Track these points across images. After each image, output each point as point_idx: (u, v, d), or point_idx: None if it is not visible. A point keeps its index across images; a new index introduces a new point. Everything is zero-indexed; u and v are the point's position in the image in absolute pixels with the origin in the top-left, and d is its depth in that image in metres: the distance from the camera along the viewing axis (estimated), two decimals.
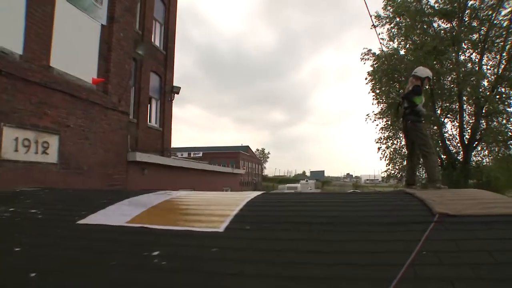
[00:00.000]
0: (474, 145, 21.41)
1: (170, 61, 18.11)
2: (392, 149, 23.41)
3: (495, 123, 20.58)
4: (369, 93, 22.10)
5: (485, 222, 3.10)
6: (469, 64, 21.13)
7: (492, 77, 20.73)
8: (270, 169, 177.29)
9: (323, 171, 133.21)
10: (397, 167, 23.12)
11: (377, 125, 23.39)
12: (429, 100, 21.80)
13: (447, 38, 19.66)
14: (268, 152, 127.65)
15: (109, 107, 9.69)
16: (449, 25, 21.25)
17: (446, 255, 2.64)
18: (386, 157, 23.21)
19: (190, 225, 3.53)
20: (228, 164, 62.79)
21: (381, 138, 22.83)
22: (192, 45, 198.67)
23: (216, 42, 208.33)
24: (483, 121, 21.48)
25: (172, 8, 18.34)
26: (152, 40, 16.69)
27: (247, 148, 75.40)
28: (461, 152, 22.07)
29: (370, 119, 22.97)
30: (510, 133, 19.50)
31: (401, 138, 23.15)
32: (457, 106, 21.89)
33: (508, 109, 20.63)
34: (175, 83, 18.35)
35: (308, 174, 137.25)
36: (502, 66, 20.49)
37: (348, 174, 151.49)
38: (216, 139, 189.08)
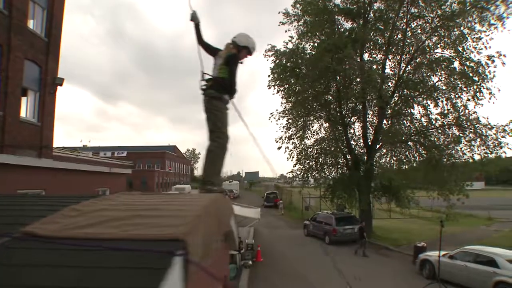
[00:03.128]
0: (378, 146, 22.01)
1: (55, 49, 16.33)
2: (300, 149, 23.43)
3: (396, 125, 21.31)
4: (269, 88, 21.93)
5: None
6: (374, 66, 21.76)
7: (393, 79, 21.49)
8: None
9: (257, 172, 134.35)
10: (302, 168, 23.17)
11: (277, 123, 23.35)
12: (336, 99, 22.23)
13: (346, 36, 19.99)
14: (199, 153, 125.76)
15: None
16: (354, 24, 21.72)
17: None
18: (292, 157, 23.17)
19: None
20: (153, 165, 60.56)
21: (282, 137, 22.70)
22: (128, 41, 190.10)
23: (153, 39, 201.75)
24: (388, 123, 22.23)
25: None
26: (29, 24, 14.95)
27: (173, 148, 73.38)
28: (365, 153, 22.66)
29: (274, 117, 22.81)
30: (403, 136, 20.22)
31: (309, 138, 23.33)
32: (361, 107, 22.44)
33: (412, 111, 21.54)
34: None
35: (243, 175, 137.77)
36: (403, 68, 21.36)
37: (282, 175, 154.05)
38: (151, 138, 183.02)
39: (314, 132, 24.27)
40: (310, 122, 23.94)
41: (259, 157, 24.06)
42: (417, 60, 21.12)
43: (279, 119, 23.07)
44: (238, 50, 4.64)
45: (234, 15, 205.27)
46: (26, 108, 15.17)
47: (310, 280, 13.86)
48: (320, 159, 23.26)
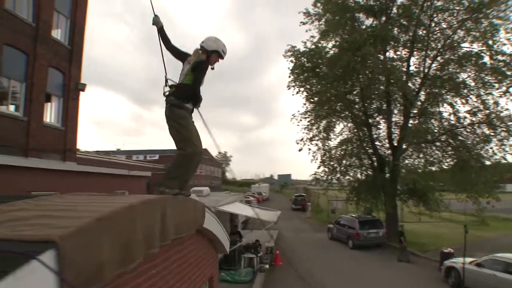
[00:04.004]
0: (404, 147, 21.17)
1: (77, 56, 16.94)
2: (324, 151, 22.98)
3: (422, 124, 20.46)
4: (288, 88, 21.62)
5: None
6: (398, 63, 21.04)
7: (419, 76, 20.68)
8: (237, 172, 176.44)
9: (290, 174, 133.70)
10: (326, 169, 22.67)
11: (298, 125, 22.96)
12: (360, 99, 21.60)
13: (367, 34, 19.40)
14: (231, 156, 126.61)
15: None
16: (375, 21, 21.07)
17: None
18: (316, 159, 22.74)
19: None
20: None
21: (303, 139, 22.30)
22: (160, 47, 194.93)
23: (185, 44, 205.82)
24: (414, 122, 21.40)
25: (81, 2, 17.21)
26: (53, 33, 15.60)
27: (204, 151, 74.18)
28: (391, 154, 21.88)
29: (296, 119, 22.47)
30: (430, 135, 19.33)
31: (333, 139, 22.86)
32: (385, 106, 21.73)
33: (441, 109, 20.60)
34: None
35: (276, 177, 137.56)
36: (428, 65, 20.49)
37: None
38: None
39: (338, 133, 23.79)
40: (334, 123, 23.45)
41: (291, 159, 23.75)
42: (445, 56, 20.18)
43: (301, 120, 22.75)
44: (208, 55, 4.42)
45: (266, 18, 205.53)
46: (50, 113, 15.83)
47: (327, 285, 13.47)
48: (344, 161, 22.67)
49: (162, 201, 3.22)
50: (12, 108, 13.89)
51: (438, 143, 20.07)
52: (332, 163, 22.66)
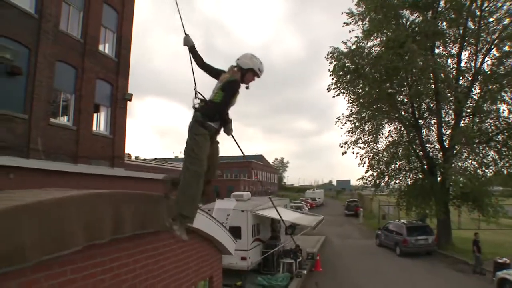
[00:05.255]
0: (457, 148, 19.78)
1: (124, 68, 18.06)
2: (372, 154, 22.21)
3: (475, 124, 19.05)
4: (328, 91, 21.09)
5: None
6: (444, 59, 19.85)
7: (470, 73, 19.34)
8: (294, 178, 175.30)
9: (349, 180, 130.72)
10: (375, 174, 21.85)
11: (341, 128, 22.33)
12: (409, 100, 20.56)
13: (410, 30, 18.43)
14: (287, 162, 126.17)
15: None
16: (421, 17, 20.02)
17: None
18: (364, 163, 22.01)
19: None
20: (240, 174, 62.63)
21: (347, 142, 21.62)
22: (218, 55, 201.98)
23: (241, 52, 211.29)
24: (467, 121, 20.03)
25: (126, 16, 18.32)
26: (100, 47, 16.81)
27: (261, 157, 74.92)
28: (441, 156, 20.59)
29: (341, 122, 21.89)
30: (484, 135, 17.88)
31: (380, 142, 22.09)
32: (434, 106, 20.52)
33: (500, 106, 19.08)
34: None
35: (334, 183, 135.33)
36: (480, 60, 19.10)
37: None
38: (244, 148, 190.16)
39: (387, 136, 22.85)
40: (382, 125, 22.55)
41: (351, 165, 23.26)
42: (503, 49, 18.63)
43: (345, 123, 22.16)
44: (243, 74, 4.19)
45: (322, 22, 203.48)
46: (98, 122, 17.02)
47: None
48: (392, 165, 21.67)
49: (114, 196, 3.38)
50: (64, 119, 15.19)
51: (492, 144, 18.50)
52: (380, 166, 21.78)
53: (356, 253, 20.22)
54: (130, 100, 18.11)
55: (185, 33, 4.40)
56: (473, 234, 17.48)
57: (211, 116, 3.98)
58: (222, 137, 4.25)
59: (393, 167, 21.86)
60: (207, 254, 5.85)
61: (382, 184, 22.25)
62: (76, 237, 2.81)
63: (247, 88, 4.30)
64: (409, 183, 21.48)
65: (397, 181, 21.99)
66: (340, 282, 14.63)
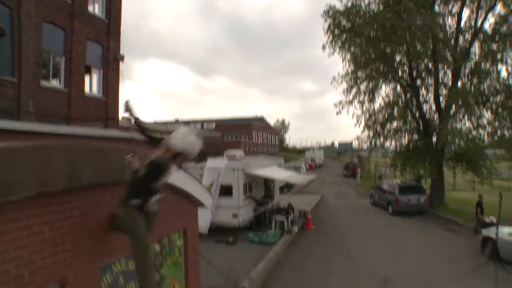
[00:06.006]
0: (454, 109, 19.58)
1: (115, 29, 17.76)
2: (368, 114, 22.07)
3: (471, 84, 18.76)
4: (324, 50, 20.69)
5: None
6: (449, 18, 19.29)
7: (469, 32, 18.82)
8: (296, 140, 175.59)
9: (351, 142, 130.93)
10: (370, 134, 21.83)
11: (336, 88, 22.09)
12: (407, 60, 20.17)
13: None
14: (289, 123, 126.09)
15: None
16: None
17: None
18: (360, 123, 21.96)
19: None
20: (241, 136, 62.86)
21: (342, 102, 21.46)
22: (219, 15, 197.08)
23: (243, 13, 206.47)
24: (466, 81, 19.71)
25: None
26: (90, 8, 16.49)
27: (261, 119, 74.85)
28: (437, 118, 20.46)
29: (337, 82, 21.64)
30: (481, 96, 17.63)
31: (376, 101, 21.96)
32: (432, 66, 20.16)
33: (500, 66, 18.65)
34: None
35: (336, 145, 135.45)
36: (481, 19, 18.53)
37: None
38: (245, 110, 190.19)
39: (385, 96, 22.62)
40: (379, 84, 22.26)
41: (354, 127, 23.00)
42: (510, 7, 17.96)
43: (341, 83, 21.91)
44: (173, 155, 3.65)
45: None
46: (90, 85, 16.98)
47: (351, 249, 13.34)
48: (388, 124, 21.59)
49: (69, 146, 3.47)
50: (56, 82, 15.15)
51: (488, 105, 18.28)
52: (376, 126, 21.73)
53: (350, 213, 20.63)
54: (122, 61, 17.96)
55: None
56: (477, 195, 17.43)
57: (134, 194, 3.64)
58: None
59: (389, 127, 21.80)
60: (182, 207, 6.02)
61: (378, 144, 22.27)
62: (27, 187, 2.92)
63: (180, 168, 3.95)
64: (405, 144, 21.52)
65: (393, 142, 22.00)
66: (328, 240, 15.01)
